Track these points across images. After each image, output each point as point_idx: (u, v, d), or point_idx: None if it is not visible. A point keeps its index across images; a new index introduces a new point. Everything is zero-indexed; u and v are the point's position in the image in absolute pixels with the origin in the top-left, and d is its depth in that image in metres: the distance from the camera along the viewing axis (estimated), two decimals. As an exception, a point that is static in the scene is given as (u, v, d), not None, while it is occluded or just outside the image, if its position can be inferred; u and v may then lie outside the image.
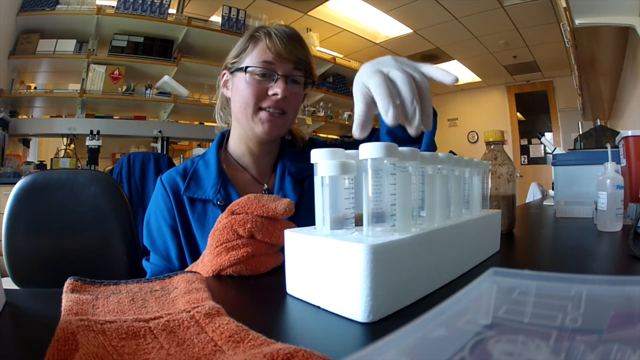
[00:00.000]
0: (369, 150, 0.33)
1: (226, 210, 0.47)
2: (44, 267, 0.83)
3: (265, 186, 0.77)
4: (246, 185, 0.76)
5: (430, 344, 0.17)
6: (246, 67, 0.70)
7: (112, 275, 0.68)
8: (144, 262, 0.73)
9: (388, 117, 0.37)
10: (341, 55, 4.60)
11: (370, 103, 0.40)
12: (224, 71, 0.77)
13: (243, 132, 0.75)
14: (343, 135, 4.71)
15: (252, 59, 0.71)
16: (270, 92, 0.70)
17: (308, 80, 0.75)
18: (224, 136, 0.81)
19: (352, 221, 0.36)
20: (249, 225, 0.44)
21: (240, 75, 0.71)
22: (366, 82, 0.39)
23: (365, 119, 0.40)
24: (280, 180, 0.76)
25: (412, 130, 0.39)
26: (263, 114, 0.70)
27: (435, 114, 0.59)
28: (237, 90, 0.72)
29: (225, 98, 0.79)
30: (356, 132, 0.39)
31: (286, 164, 0.77)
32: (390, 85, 0.38)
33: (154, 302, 0.33)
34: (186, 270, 0.47)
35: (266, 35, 0.70)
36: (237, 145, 0.78)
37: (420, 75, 0.41)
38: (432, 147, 0.62)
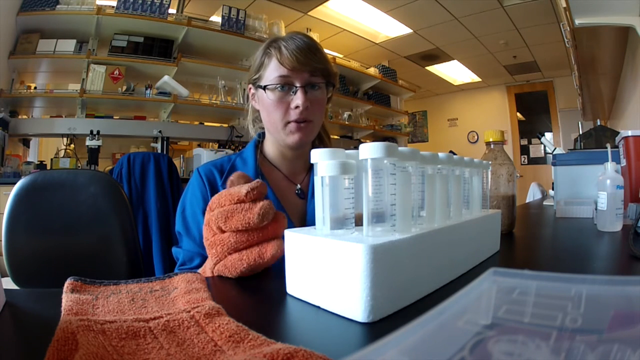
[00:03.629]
0: (369, 150, 0.33)
1: (207, 207, 0.47)
2: (44, 267, 0.83)
3: (298, 186, 0.81)
4: (280, 183, 0.80)
5: (430, 344, 0.17)
6: (265, 87, 0.73)
7: (112, 275, 0.68)
8: (174, 249, 0.75)
9: None
10: (341, 55, 4.60)
11: None
12: (250, 85, 0.80)
13: (275, 140, 0.80)
14: (343, 135, 4.71)
15: (268, 75, 0.74)
16: (292, 105, 0.72)
17: (328, 83, 0.77)
18: (260, 137, 0.85)
19: (352, 221, 0.36)
20: (214, 219, 0.45)
21: (262, 93, 0.74)
22: None
23: None
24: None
25: None
26: (291, 126, 0.74)
27: None
28: (263, 106, 0.76)
29: (255, 110, 0.82)
30: None
31: None
32: None
33: (154, 302, 0.33)
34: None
35: (277, 51, 0.72)
36: (270, 149, 0.82)
37: None
38: None
